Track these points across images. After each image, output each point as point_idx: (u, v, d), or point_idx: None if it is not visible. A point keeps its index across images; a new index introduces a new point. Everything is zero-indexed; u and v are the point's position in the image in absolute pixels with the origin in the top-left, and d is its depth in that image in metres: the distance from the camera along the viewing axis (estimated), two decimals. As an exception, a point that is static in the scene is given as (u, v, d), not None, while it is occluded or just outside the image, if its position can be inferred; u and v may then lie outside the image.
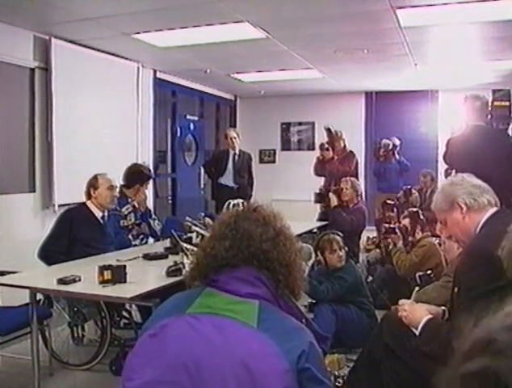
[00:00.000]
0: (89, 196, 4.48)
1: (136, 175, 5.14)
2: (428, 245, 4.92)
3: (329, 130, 7.17)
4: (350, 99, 9.60)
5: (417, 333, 2.50)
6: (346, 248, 4.50)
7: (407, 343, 2.54)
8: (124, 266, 3.19)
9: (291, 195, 9.42)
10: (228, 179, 7.35)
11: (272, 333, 1.39)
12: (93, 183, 4.48)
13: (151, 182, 7.37)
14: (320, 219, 6.82)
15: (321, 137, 7.97)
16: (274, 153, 10.35)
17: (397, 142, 8.53)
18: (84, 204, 4.49)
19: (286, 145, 10.33)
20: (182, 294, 1.61)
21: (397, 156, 8.48)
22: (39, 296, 3.55)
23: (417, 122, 9.34)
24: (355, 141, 8.68)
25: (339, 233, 4.62)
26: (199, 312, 1.47)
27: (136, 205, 5.08)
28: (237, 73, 7.84)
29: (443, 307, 2.65)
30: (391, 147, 8.43)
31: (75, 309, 3.95)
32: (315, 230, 6.23)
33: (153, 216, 5.42)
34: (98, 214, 4.47)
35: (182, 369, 1.37)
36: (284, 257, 1.58)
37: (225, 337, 1.40)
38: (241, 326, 1.42)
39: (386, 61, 6.84)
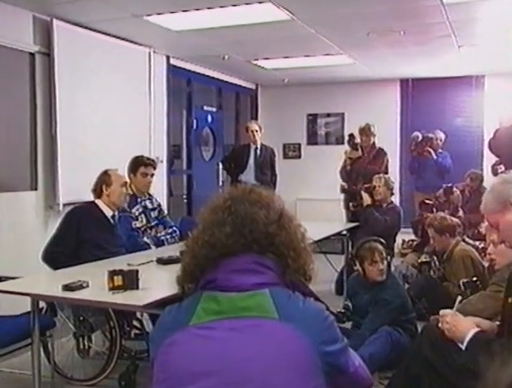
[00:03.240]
0: (99, 194, 4.47)
1: (133, 160, 5.22)
2: (460, 254, 4.94)
3: (351, 135, 7.00)
4: (383, 88, 9.54)
5: (462, 347, 2.44)
6: (389, 258, 4.43)
7: (449, 358, 2.49)
8: (136, 271, 3.17)
9: (317, 193, 9.41)
10: (249, 176, 7.35)
11: (295, 321, 1.43)
12: (105, 180, 4.48)
13: (165, 179, 7.46)
14: (350, 220, 6.75)
15: (351, 130, 7.86)
16: (300, 148, 10.30)
17: (442, 136, 8.32)
18: (93, 202, 4.49)
19: (312, 139, 10.27)
20: (177, 307, 1.57)
21: (440, 150, 8.26)
22: (41, 304, 3.55)
23: (460, 112, 9.21)
24: (390, 135, 8.61)
25: (381, 240, 4.52)
26: (208, 320, 1.46)
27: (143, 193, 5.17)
28: (259, 59, 7.82)
29: (497, 322, 2.58)
30: (441, 140, 8.24)
31: (81, 318, 3.94)
32: (344, 232, 6.17)
33: (169, 222, 5.39)
34: (109, 213, 4.46)
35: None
36: (292, 239, 1.59)
37: (252, 338, 1.42)
38: (264, 321, 1.43)
39: (425, 44, 6.76)
